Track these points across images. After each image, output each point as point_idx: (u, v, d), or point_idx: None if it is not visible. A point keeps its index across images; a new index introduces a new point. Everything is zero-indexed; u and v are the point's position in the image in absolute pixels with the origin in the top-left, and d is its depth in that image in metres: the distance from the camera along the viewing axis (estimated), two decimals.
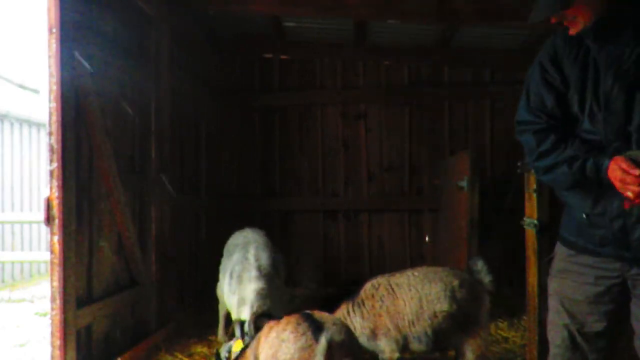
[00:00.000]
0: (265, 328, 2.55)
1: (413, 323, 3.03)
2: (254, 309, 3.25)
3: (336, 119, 6.45)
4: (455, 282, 3.10)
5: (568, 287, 2.09)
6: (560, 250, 2.18)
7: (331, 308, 3.16)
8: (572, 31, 1.92)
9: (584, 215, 1.97)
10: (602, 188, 1.87)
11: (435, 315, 3.02)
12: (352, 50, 6.33)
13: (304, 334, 2.21)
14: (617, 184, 1.76)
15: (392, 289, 3.13)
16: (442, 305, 3.02)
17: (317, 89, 6.46)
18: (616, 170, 1.76)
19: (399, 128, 6.38)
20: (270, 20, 5.62)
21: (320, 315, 2.43)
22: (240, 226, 4.41)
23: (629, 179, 1.72)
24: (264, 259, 3.66)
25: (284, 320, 2.42)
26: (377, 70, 6.42)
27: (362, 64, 6.43)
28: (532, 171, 3.02)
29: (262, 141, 6.50)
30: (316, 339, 2.17)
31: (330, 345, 2.10)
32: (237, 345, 2.96)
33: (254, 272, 3.50)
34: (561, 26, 1.97)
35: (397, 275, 3.23)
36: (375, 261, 6.37)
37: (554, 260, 2.20)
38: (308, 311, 2.45)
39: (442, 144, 6.32)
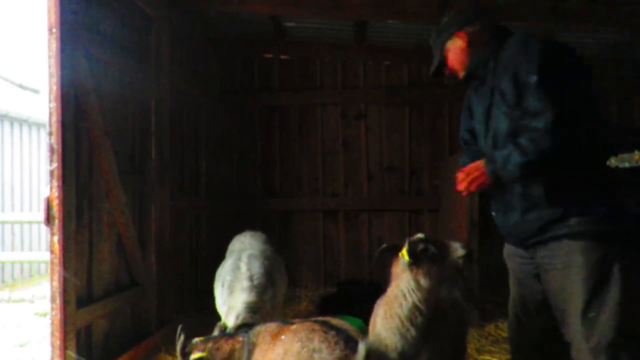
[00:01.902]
0: (264, 336, 2.34)
1: None
2: (239, 320, 3.15)
3: (336, 119, 6.45)
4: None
5: (514, 267, 2.43)
6: None
7: (331, 308, 3.15)
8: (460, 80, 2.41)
9: (493, 214, 2.39)
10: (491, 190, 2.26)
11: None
12: (352, 50, 6.34)
13: (336, 343, 2.09)
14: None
15: None
16: None
17: (317, 89, 6.47)
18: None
19: (399, 128, 6.38)
20: (270, 20, 5.62)
21: (337, 322, 2.30)
22: (240, 226, 4.40)
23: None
24: (257, 268, 3.50)
25: (301, 328, 2.24)
26: (377, 70, 6.42)
27: (362, 64, 6.44)
28: None
29: (262, 141, 6.51)
30: (350, 348, 2.06)
31: (368, 355, 1.99)
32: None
33: (245, 283, 3.37)
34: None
35: None
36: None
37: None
38: (322, 318, 2.33)
39: (442, 144, 6.32)
